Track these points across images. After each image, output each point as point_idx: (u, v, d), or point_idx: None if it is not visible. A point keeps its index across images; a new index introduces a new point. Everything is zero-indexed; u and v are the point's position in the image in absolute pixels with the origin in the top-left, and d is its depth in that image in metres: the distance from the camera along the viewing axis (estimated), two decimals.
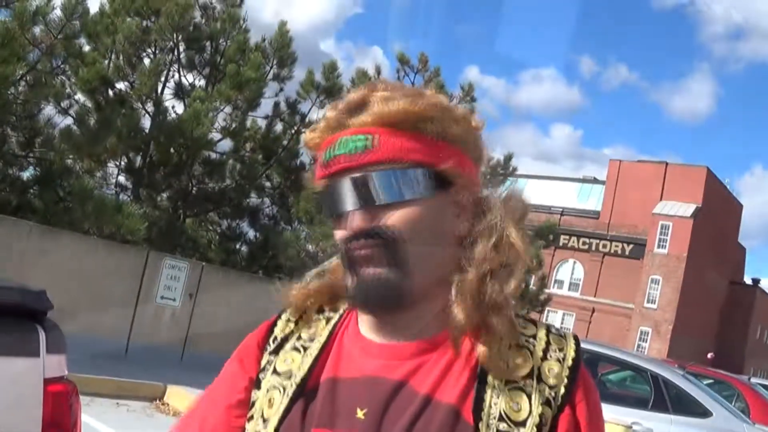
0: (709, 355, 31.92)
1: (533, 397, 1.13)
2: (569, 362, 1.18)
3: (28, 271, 10.77)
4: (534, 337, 1.20)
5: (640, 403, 8.95)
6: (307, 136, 1.25)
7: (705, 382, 10.81)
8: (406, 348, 1.20)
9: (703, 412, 8.42)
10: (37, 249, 11.70)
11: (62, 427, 3.20)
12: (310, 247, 16.47)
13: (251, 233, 17.75)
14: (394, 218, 1.16)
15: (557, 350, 1.19)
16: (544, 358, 1.17)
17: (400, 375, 1.17)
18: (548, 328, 1.23)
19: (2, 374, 2.98)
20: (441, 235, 1.19)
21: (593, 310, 52.62)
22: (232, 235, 17.73)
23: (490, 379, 1.14)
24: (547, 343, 1.20)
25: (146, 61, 15.59)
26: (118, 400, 9.41)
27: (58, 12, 13.26)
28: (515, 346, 1.17)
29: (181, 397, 9.79)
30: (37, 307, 3.24)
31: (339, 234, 1.20)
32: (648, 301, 49.77)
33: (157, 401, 10.03)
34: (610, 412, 7.27)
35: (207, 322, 13.20)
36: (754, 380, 15.27)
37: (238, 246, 17.63)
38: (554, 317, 51.95)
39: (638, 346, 47.77)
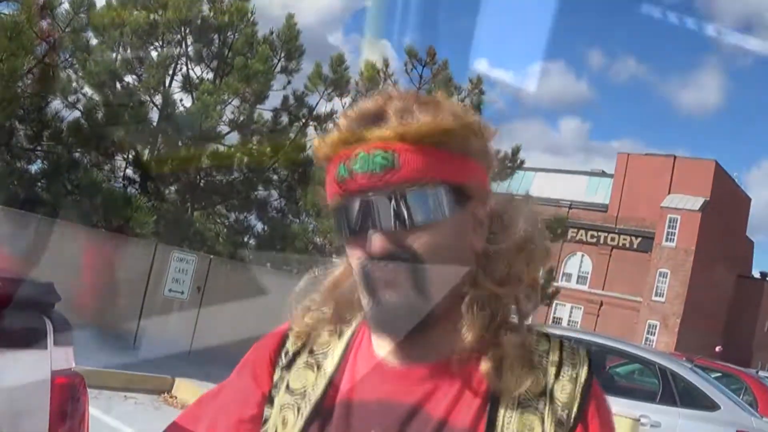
0: (717, 349, 31.92)
1: (546, 417, 1.12)
2: (582, 380, 1.16)
3: (35, 263, 10.79)
4: (547, 353, 1.18)
5: (648, 396, 8.95)
6: (317, 145, 1.18)
7: (713, 376, 10.81)
8: (420, 371, 1.18)
9: (711, 405, 8.41)
10: (45, 242, 11.72)
11: (70, 420, 3.20)
12: (318, 239, 16.46)
13: (259, 226, 17.77)
14: (418, 241, 1.11)
15: (570, 368, 1.17)
16: (557, 376, 1.15)
17: (415, 399, 1.16)
18: (561, 344, 1.20)
19: (9, 367, 2.98)
20: (461, 253, 1.15)
21: (601, 303, 52.54)
22: (239, 228, 17.73)
23: (502, 400, 1.13)
24: (560, 360, 1.17)
25: (154, 54, 15.59)
26: (126, 392, 9.43)
27: (65, 5, 13.29)
28: (527, 365, 1.15)
29: (189, 390, 9.81)
30: (44, 300, 3.24)
31: (356, 254, 1.15)
32: (656, 295, 49.70)
33: (165, 394, 10.06)
34: (618, 405, 7.27)
35: (215, 315, 13.21)
36: (762, 373, 15.29)
37: (246, 239, 17.63)
38: (562, 310, 51.94)
39: (646, 339, 47.72)
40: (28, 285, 3.20)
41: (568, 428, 1.12)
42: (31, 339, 3.12)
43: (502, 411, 1.12)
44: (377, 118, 1.13)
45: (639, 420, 7.90)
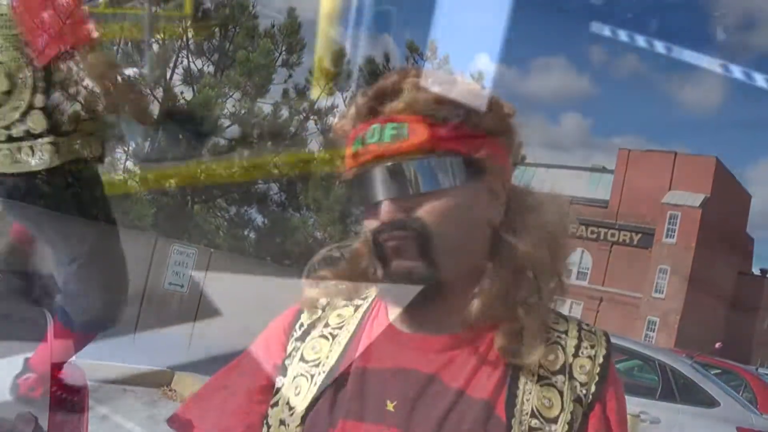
0: (717, 345, 31.85)
1: (565, 393, 1.12)
2: (600, 360, 1.17)
3: (35, 256, 10.77)
4: (565, 333, 1.19)
5: (647, 392, 8.93)
6: (336, 123, 1.23)
7: (713, 372, 10.78)
8: (437, 341, 1.18)
9: (711, 402, 8.40)
10: (45, 234, 11.69)
11: (69, 413, 3.20)
12: (317, 233, 16.47)
13: (259, 219, 17.76)
14: (424, 209, 1.13)
15: (588, 347, 1.18)
16: (576, 354, 1.17)
17: (432, 368, 1.16)
18: (579, 324, 1.22)
19: (9, 359, 2.98)
20: (473, 225, 1.17)
21: (601, 300, 52.54)
22: (240, 222, 17.73)
23: (521, 375, 1.13)
24: (579, 339, 1.19)
25: (155, 47, 15.57)
26: (126, 386, 9.42)
27: None
28: (546, 341, 1.16)
29: (188, 383, 9.81)
30: (44, 292, 3.24)
31: (369, 224, 1.17)
32: (656, 291, 49.72)
33: (165, 388, 10.05)
34: None
35: (215, 308, 13.19)
36: (761, 370, 15.24)
37: (246, 232, 17.63)
38: (562, 306, 51.85)
39: (646, 335, 47.73)
40: (28, 277, 3.20)
41: (587, 406, 1.13)
42: (31, 331, 3.12)
43: (521, 385, 1.12)
44: (393, 93, 1.15)
45: (639, 416, 7.89)
